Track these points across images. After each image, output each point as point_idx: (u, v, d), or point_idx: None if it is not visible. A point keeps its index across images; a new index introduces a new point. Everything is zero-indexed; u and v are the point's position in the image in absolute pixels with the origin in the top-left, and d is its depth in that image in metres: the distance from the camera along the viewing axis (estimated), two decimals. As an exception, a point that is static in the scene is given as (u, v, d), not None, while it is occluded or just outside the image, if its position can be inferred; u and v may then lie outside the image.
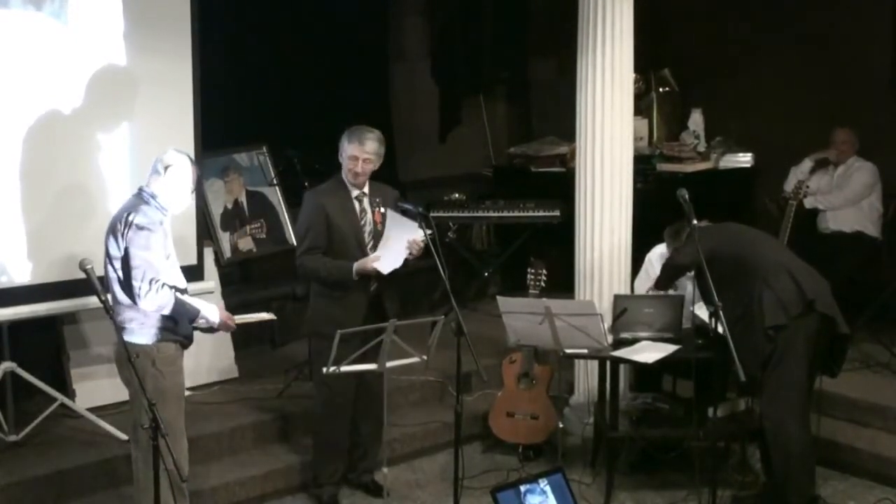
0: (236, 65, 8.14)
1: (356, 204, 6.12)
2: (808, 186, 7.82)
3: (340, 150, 6.08)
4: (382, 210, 6.15)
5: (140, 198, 5.28)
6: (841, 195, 7.97)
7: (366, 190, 6.15)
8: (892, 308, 7.35)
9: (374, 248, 6.10)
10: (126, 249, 5.12)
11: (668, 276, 6.38)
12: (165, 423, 4.76)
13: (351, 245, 6.07)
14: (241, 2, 8.25)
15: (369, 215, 6.15)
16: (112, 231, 5.20)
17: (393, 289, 6.30)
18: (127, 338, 5.15)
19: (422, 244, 5.91)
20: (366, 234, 6.11)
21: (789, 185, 8.05)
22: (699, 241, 5.77)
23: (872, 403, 6.85)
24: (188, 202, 5.57)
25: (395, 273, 6.07)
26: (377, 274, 6.00)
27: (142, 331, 5.22)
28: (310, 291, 6.25)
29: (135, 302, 5.13)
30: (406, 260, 6.04)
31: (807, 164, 8.08)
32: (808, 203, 7.95)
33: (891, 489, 6.32)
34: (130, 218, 5.14)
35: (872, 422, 6.80)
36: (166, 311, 5.21)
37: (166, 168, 5.33)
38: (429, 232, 5.90)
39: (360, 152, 6.02)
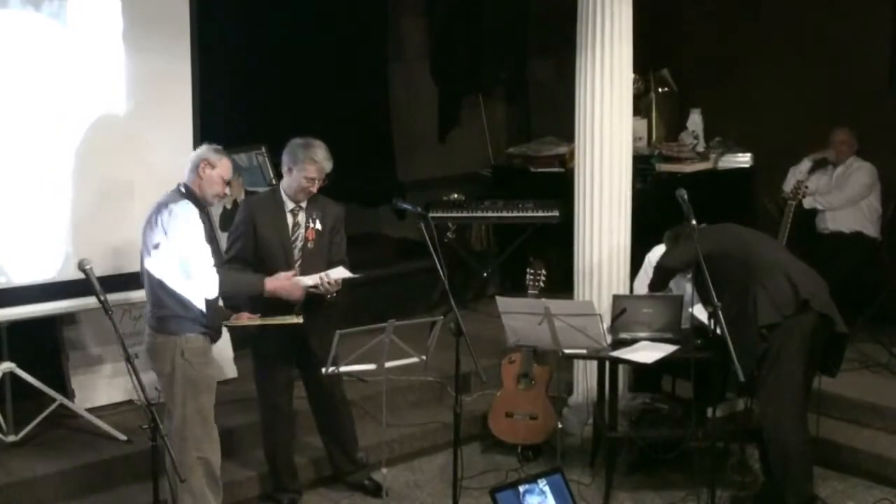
0: (235, 65, 8.13)
1: (290, 217, 5.97)
2: (807, 187, 7.83)
3: (291, 162, 5.91)
4: (319, 227, 5.99)
5: (178, 192, 5.52)
6: (840, 195, 7.97)
7: (303, 204, 6.00)
8: (891, 308, 7.37)
9: (304, 265, 5.93)
10: (170, 241, 5.34)
11: (660, 278, 6.40)
12: (199, 412, 5.23)
13: (279, 260, 5.91)
14: (241, 1, 8.24)
15: (302, 230, 5.98)
16: (150, 223, 5.41)
17: (323, 322, 5.94)
18: (157, 330, 5.39)
19: (333, 282, 5.81)
20: (295, 250, 5.96)
21: (788, 186, 8.05)
22: (697, 243, 5.78)
23: (871, 403, 6.85)
24: (221, 195, 5.74)
25: (323, 306, 5.91)
26: (296, 300, 5.80)
27: (176, 322, 5.40)
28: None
29: (181, 292, 5.37)
30: (322, 295, 5.86)
31: (805, 164, 8.08)
32: (808, 203, 7.95)
33: (890, 489, 6.32)
34: (169, 210, 5.38)
35: (871, 422, 6.81)
36: (217, 292, 5.45)
37: (200, 163, 5.52)
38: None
39: (319, 171, 5.91)
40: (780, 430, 5.84)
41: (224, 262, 5.77)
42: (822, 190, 8.02)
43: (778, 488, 5.93)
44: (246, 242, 5.94)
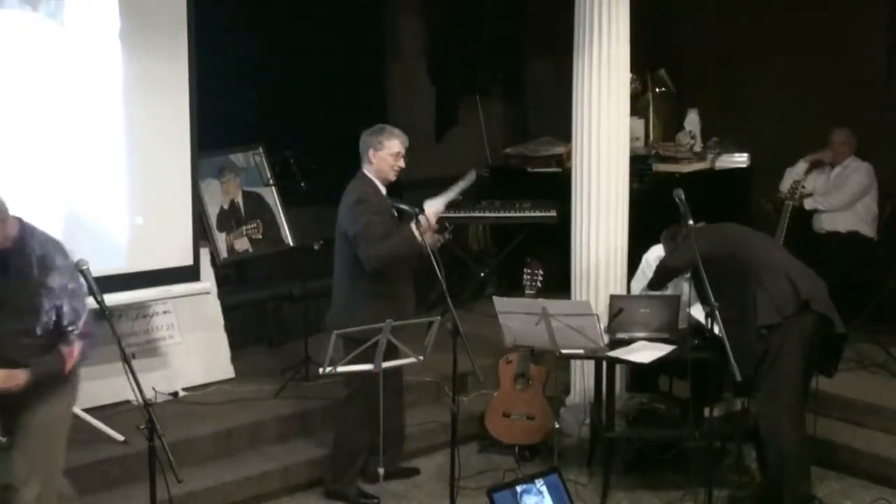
0: (233, 65, 8.12)
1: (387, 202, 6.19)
2: (804, 187, 7.83)
3: (372, 146, 6.08)
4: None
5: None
6: (840, 196, 7.96)
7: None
8: (889, 308, 7.37)
9: None
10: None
11: (661, 277, 6.40)
12: None
13: None
14: (238, 1, 8.24)
15: (394, 213, 6.22)
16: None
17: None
18: None
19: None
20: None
21: (784, 187, 8.05)
22: (695, 242, 5.78)
23: (869, 403, 6.85)
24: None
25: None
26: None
27: None
28: (350, 296, 6.13)
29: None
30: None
31: (802, 165, 8.07)
32: (808, 204, 7.94)
33: (888, 489, 6.32)
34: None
35: (869, 422, 6.81)
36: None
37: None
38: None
39: (403, 142, 6.15)
40: (777, 430, 5.84)
41: (370, 245, 5.91)
42: (820, 190, 8.02)
43: (775, 488, 5.93)
44: (382, 219, 6.04)
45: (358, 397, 6.16)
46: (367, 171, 6.14)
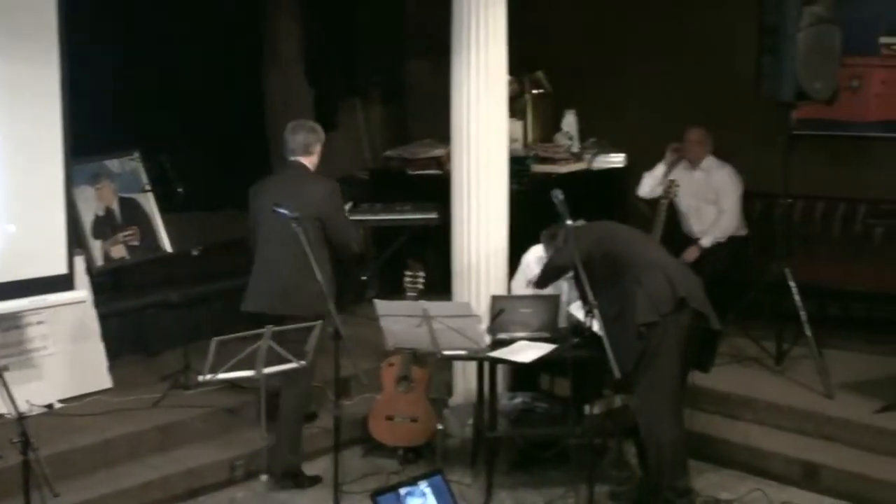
0: (107, 70, 7.98)
1: None
2: (677, 185, 7.90)
3: (318, 141, 6.60)
4: None
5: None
6: (726, 220, 7.97)
7: None
8: (761, 303, 7.52)
9: None
10: None
11: (548, 276, 6.43)
12: None
13: None
14: (110, 4, 8.09)
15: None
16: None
17: None
18: None
19: None
20: None
21: (642, 190, 8.17)
22: (577, 241, 5.84)
23: (743, 396, 7.00)
24: None
25: None
26: None
27: None
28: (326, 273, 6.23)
29: None
30: None
31: (660, 168, 8.14)
32: (706, 242, 7.93)
33: (762, 480, 6.47)
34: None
35: (743, 414, 6.95)
36: None
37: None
38: None
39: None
40: (655, 425, 5.93)
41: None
42: (685, 190, 8.05)
43: (654, 482, 6.02)
44: None
45: (313, 369, 6.27)
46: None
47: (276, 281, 6.36)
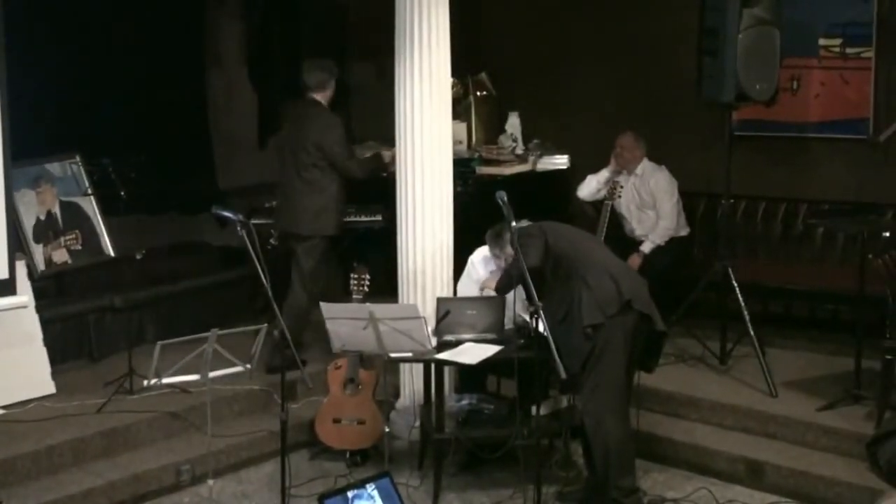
0: (45, 71, 7.89)
1: None
2: (622, 187, 7.95)
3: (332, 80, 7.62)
4: None
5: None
6: (665, 224, 8.02)
7: None
8: (705, 303, 7.58)
9: None
10: None
11: (513, 280, 6.25)
12: None
13: None
14: (50, 4, 8.00)
15: None
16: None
17: None
18: None
19: None
20: None
21: (583, 192, 8.21)
22: (535, 242, 5.88)
23: (688, 396, 7.05)
24: None
25: None
26: None
27: None
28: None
29: None
30: None
31: (604, 174, 8.16)
32: (646, 248, 7.97)
33: (707, 478, 6.52)
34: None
35: (688, 414, 7.01)
36: None
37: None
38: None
39: None
40: (601, 425, 5.96)
41: None
42: (624, 195, 8.08)
43: (601, 482, 6.05)
44: None
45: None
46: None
47: (287, 204, 7.55)
